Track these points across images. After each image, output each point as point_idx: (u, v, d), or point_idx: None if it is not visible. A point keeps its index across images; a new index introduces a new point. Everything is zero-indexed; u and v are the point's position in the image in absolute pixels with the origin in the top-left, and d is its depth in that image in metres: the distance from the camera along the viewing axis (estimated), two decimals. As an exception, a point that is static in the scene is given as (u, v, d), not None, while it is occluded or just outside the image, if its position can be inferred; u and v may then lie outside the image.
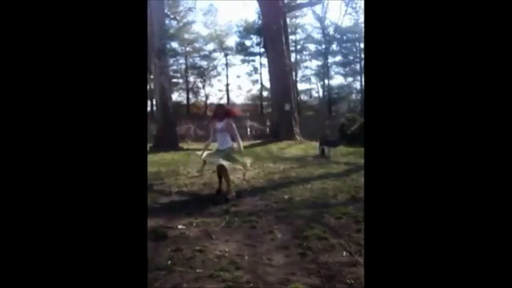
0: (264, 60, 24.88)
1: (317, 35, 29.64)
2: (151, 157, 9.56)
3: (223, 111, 5.38)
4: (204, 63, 30.44)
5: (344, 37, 29.45)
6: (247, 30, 29.58)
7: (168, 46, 19.37)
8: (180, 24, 27.63)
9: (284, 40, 15.75)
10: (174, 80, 28.00)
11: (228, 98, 30.75)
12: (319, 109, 25.09)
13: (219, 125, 5.27)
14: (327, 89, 29.43)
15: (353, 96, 31.61)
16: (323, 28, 23.03)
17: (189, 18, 28.35)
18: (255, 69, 30.74)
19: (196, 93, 31.20)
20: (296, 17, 28.91)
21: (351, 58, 30.50)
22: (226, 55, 30.37)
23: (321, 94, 29.01)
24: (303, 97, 31.41)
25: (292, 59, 22.88)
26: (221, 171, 5.30)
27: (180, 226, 3.89)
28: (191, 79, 30.56)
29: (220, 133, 5.28)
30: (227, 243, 3.39)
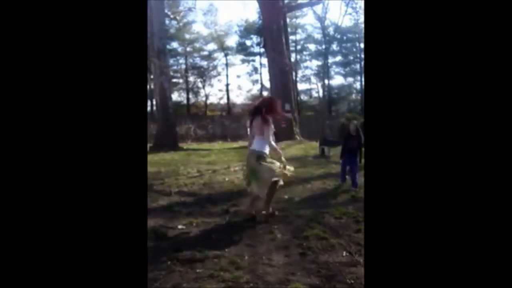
0: (264, 60, 24.95)
1: (317, 35, 29.71)
2: (151, 157, 9.56)
3: (255, 108, 4.07)
4: (204, 63, 30.52)
5: (344, 37, 29.49)
6: (247, 30, 29.62)
7: (168, 46, 19.38)
8: (180, 24, 27.64)
9: (284, 40, 15.74)
10: (174, 80, 28.05)
11: (228, 98, 30.79)
12: (319, 109, 25.10)
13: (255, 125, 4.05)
14: (327, 89, 29.42)
15: (353, 96, 31.65)
16: (323, 28, 23.00)
17: (189, 18, 28.43)
18: (255, 69, 30.84)
19: (196, 93, 31.26)
20: (296, 17, 28.96)
21: (351, 58, 30.56)
22: (226, 55, 30.42)
23: (321, 94, 29.00)
24: (303, 97, 31.46)
25: (292, 59, 22.89)
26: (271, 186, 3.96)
27: (180, 226, 3.89)
28: (191, 79, 30.61)
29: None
30: (227, 243, 3.39)
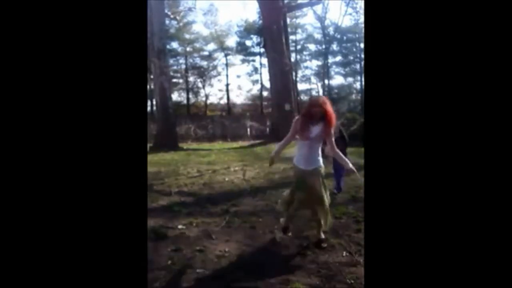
0: (264, 60, 24.91)
1: (317, 35, 29.68)
2: (151, 157, 9.57)
3: (320, 111, 3.12)
4: (204, 63, 30.47)
5: (344, 37, 29.47)
6: (247, 30, 29.59)
7: (168, 46, 19.38)
8: (180, 24, 27.65)
9: (284, 40, 15.75)
10: (174, 80, 28.02)
11: (228, 98, 30.79)
12: (319, 109, 25.05)
13: (314, 130, 3.19)
14: (327, 89, 29.42)
15: (353, 96, 31.64)
16: (323, 28, 23.07)
17: (189, 18, 28.40)
18: (255, 69, 30.78)
19: (196, 93, 31.23)
20: (296, 17, 28.92)
21: (351, 58, 30.52)
22: (226, 55, 30.39)
23: (321, 94, 28.99)
24: (303, 97, 31.43)
25: (292, 59, 22.89)
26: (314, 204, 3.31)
27: (180, 226, 3.90)
28: (191, 79, 30.58)
29: (312, 143, 3.24)
30: (227, 243, 3.39)
